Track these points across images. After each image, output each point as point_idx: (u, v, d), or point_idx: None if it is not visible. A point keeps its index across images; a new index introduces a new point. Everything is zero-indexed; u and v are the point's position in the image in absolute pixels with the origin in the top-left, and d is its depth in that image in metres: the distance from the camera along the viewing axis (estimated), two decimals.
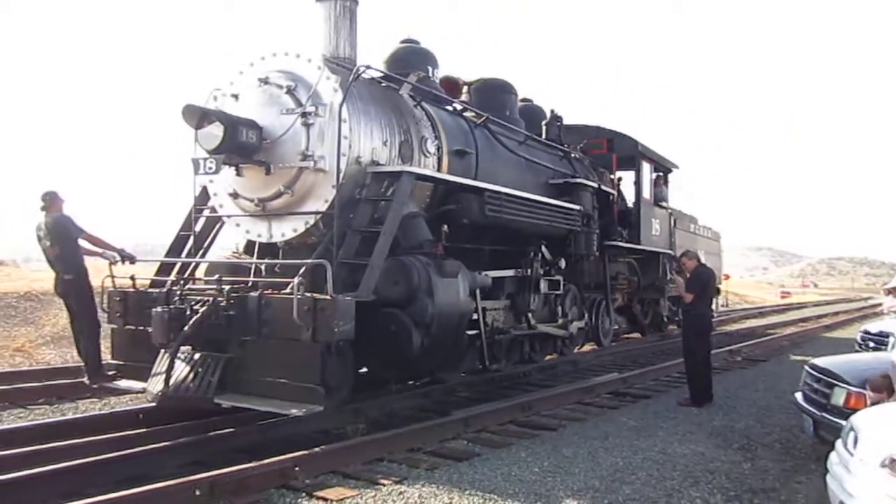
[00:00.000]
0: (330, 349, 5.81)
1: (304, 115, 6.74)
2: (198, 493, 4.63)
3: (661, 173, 14.80)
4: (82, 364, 7.62)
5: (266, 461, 5.30)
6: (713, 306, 19.13)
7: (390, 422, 7.11)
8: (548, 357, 10.97)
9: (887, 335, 9.68)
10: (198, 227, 7.87)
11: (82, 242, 7.39)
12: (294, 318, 5.68)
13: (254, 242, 7.52)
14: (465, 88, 10.26)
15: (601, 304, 12.55)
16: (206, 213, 7.85)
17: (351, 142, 6.83)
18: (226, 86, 7.37)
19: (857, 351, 10.57)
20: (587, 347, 12.88)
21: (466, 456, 5.90)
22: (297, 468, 5.20)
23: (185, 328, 6.13)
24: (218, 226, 7.93)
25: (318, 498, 4.83)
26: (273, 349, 6.00)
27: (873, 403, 5.20)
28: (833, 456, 4.45)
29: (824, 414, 6.12)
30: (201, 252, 7.91)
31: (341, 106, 6.65)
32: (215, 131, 6.47)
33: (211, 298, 6.27)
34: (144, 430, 6.37)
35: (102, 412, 7.33)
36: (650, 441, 6.51)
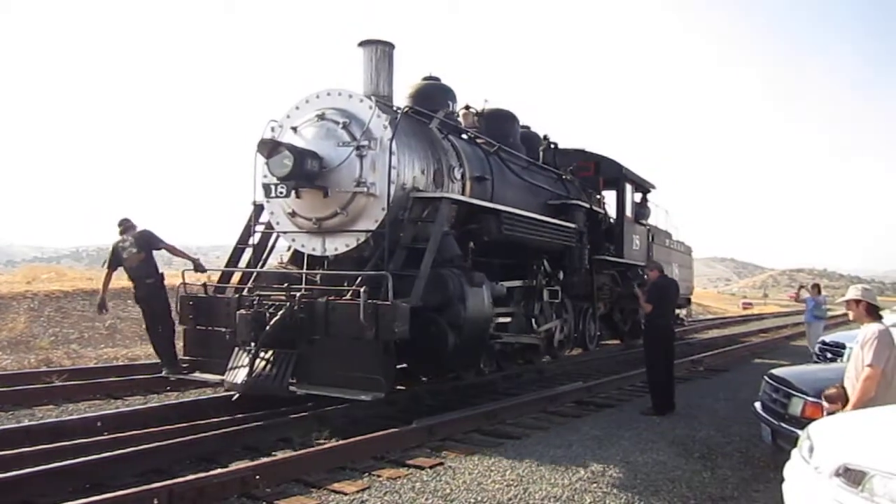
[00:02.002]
0: (388, 346, 6.86)
1: (358, 147, 7.79)
2: (156, 501, 4.54)
3: (641, 193, 15.95)
4: (159, 360, 8.88)
5: (226, 469, 5.26)
6: (682, 316, 19.90)
7: (353, 430, 7.08)
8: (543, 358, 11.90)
9: (843, 346, 9.89)
10: (253, 241, 8.98)
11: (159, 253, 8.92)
12: (361, 321, 6.70)
13: (300, 254, 8.57)
14: (475, 119, 11.16)
15: (588, 311, 13.56)
16: (262, 228, 8.96)
17: (398, 171, 7.90)
18: (282, 118, 8.41)
19: (814, 361, 10.79)
20: (573, 352, 13.54)
21: (430, 464, 5.86)
22: (258, 476, 5.14)
23: (267, 328, 7.09)
24: (274, 239, 9.01)
25: None
26: (338, 346, 7.05)
27: (829, 413, 5.30)
28: (789, 465, 4.52)
29: (782, 423, 6.23)
30: (261, 263, 8.98)
31: (391, 141, 7.76)
32: (286, 161, 7.48)
33: (287, 303, 7.22)
34: (103, 437, 6.25)
35: (60, 419, 7.17)
36: (612, 450, 6.55)
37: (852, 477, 3.60)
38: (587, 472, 5.79)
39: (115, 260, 8.87)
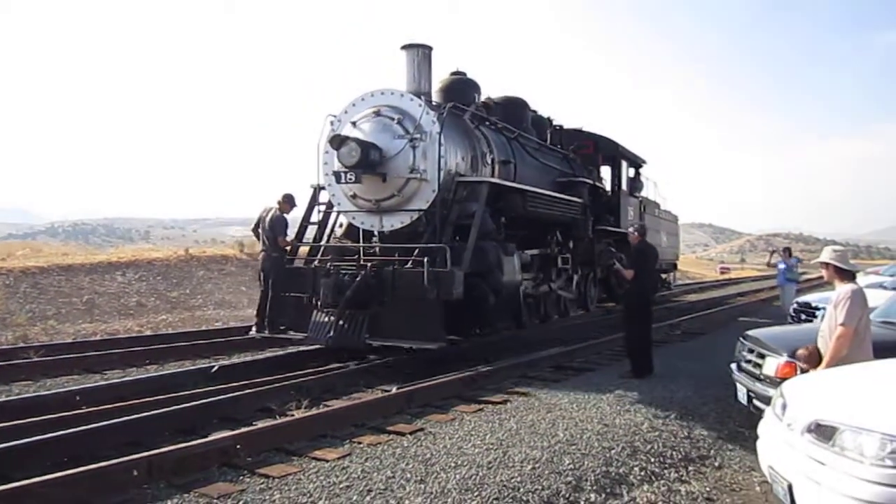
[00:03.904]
0: (446, 305, 8.21)
1: (411, 140, 9.17)
2: (136, 473, 4.53)
3: (634, 168, 17.23)
4: (256, 321, 9.84)
5: (206, 439, 5.24)
6: (669, 280, 20.93)
7: (333, 399, 7.11)
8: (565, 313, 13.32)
9: (816, 308, 10.05)
10: (314, 218, 10.47)
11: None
12: (425, 285, 8.10)
13: (354, 229, 10.08)
14: (493, 107, 12.05)
15: (589, 276, 14.81)
16: (323, 208, 10.42)
17: (445, 159, 9.25)
18: (340, 113, 9.78)
19: (789, 323, 10.96)
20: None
21: (410, 430, 5.91)
22: (238, 446, 5.14)
23: (347, 293, 8.45)
24: (335, 218, 10.52)
25: (261, 475, 4.78)
26: (404, 306, 8.34)
27: (802, 372, 5.39)
28: (763, 422, 4.61)
29: (757, 383, 6.33)
30: (326, 238, 10.50)
31: (440, 135, 9.10)
32: (353, 153, 8.83)
33: (361, 272, 8.60)
34: (81, 411, 6.22)
35: (37, 394, 7.12)
36: (591, 413, 6.63)
37: (823, 432, 3.67)
38: (566, 434, 5.86)
39: (258, 228, 10.17)
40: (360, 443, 5.56)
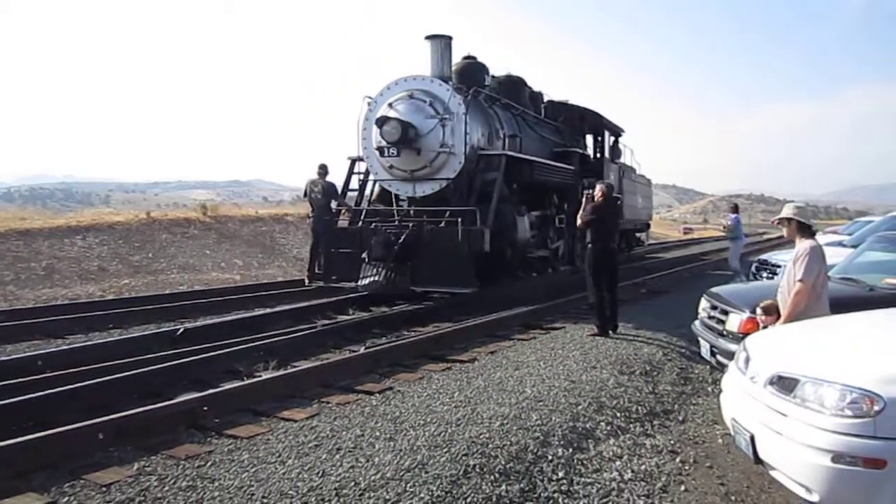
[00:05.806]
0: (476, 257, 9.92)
1: (441, 119, 10.89)
2: (101, 436, 4.49)
3: (614, 137, 18.60)
4: (307, 274, 12.43)
5: (173, 401, 5.20)
6: (643, 239, 22.04)
7: (301, 360, 7.09)
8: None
9: (777, 265, 10.22)
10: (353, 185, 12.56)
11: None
12: (458, 240, 9.90)
13: (387, 194, 11.87)
14: (496, 85, 13.75)
15: (576, 234, 15.17)
16: (361, 177, 12.42)
17: (470, 136, 11.06)
18: (377, 96, 11.49)
19: (751, 280, 11.16)
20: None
21: (378, 389, 5.93)
22: (206, 408, 5.12)
23: (395, 248, 10.10)
24: (372, 185, 12.43)
25: (229, 436, 4.77)
26: (441, 259, 9.98)
27: (764, 327, 5.50)
28: (727, 376, 4.70)
29: (720, 339, 6.45)
30: (365, 202, 12.41)
31: (465, 115, 10.96)
32: (395, 130, 10.64)
33: (404, 230, 10.27)
34: (44, 375, 6.11)
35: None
36: (558, 370, 6.70)
37: (785, 385, 3.75)
38: (533, 391, 5.92)
39: (307, 194, 12.69)
40: (328, 403, 5.57)
